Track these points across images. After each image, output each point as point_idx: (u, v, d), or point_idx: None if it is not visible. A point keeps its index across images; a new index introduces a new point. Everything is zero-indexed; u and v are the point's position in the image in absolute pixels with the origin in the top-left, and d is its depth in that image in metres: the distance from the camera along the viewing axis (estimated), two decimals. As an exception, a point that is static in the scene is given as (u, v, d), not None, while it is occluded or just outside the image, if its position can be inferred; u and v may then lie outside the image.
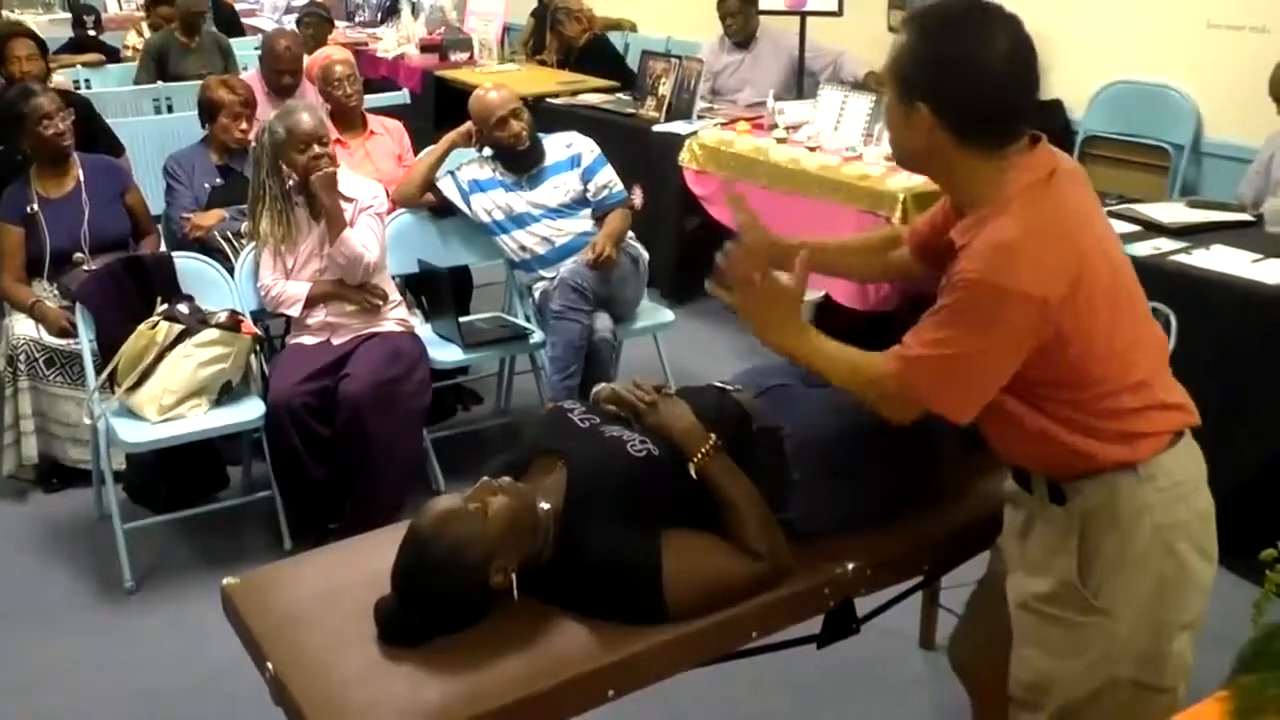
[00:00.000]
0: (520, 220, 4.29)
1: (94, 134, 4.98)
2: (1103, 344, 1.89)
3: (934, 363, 1.89)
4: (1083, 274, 1.85)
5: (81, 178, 4.28)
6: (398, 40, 8.17)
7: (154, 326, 3.62)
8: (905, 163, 2.06)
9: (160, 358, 3.58)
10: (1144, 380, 1.95)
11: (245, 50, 7.36)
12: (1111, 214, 4.01)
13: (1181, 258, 3.70)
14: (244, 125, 4.52)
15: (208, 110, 4.60)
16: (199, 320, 3.66)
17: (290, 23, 7.18)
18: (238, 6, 9.63)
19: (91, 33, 8.10)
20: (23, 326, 4.07)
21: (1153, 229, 3.96)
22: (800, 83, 6.07)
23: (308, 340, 3.88)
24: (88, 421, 3.71)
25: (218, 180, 4.54)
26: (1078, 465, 1.96)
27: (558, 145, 4.40)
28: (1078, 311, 1.84)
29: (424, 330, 4.19)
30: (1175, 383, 2.03)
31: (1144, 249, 3.76)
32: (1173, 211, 4.16)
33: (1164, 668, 1.99)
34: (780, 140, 5.20)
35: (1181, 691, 2.02)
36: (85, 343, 3.79)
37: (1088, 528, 1.97)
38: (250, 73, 5.81)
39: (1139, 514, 1.94)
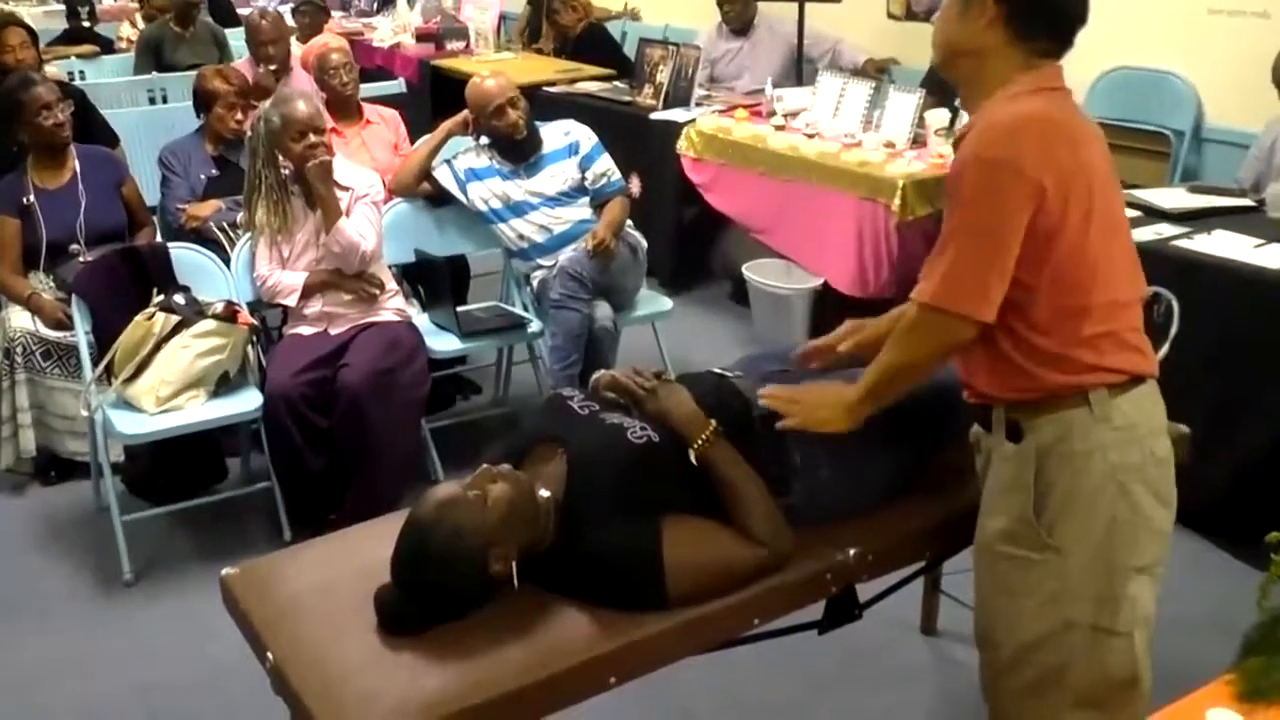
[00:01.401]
0: (518, 209, 4.27)
1: (89, 125, 4.96)
2: (1091, 249, 1.94)
3: (947, 260, 1.93)
4: (1075, 173, 1.91)
5: (78, 169, 4.26)
6: (393, 29, 8.14)
7: (150, 318, 3.60)
8: (943, 54, 2.08)
9: (157, 349, 3.57)
10: (1121, 303, 2.00)
11: (240, 40, 7.32)
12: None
13: (1183, 243, 3.69)
14: (239, 115, 4.50)
15: (203, 100, 4.57)
16: (195, 311, 3.65)
17: (286, 12, 7.15)
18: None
19: (86, 24, 8.08)
20: (19, 319, 4.05)
21: (1154, 214, 3.95)
22: (799, 70, 6.05)
23: (305, 330, 3.87)
24: (85, 414, 3.70)
25: (213, 171, 4.52)
26: (1035, 392, 1.99)
27: (555, 133, 4.38)
28: (1066, 203, 1.89)
29: (421, 320, 4.18)
30: (1142, 333, 2.06)
31: (1146, 234, 3.74)
32: (1174, 197, 4.15)
33: (1118, 610, 2.02)
34: (779, 127, 5.19)
35: (1139, 638, 2.05)
36: (81, 335, 3.77)
37: (1043, 464, 2.01)
38: (242, 60, 5.80)
39: (1092, 453, 1.98)
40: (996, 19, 1.95)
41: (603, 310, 4.17)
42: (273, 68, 5.47)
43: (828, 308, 4.90)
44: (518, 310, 4.37)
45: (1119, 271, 2.01)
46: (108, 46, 7.88)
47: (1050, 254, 1.91)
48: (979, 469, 2.22)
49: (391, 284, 4.04)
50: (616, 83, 6.47)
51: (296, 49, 6.01)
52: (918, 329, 2.02)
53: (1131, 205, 4.03)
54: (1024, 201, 1.87)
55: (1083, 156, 1.95)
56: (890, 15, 6.38)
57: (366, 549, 2.19)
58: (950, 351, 2.04)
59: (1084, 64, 5.46)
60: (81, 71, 7.14)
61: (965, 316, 1.93)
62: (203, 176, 4.50)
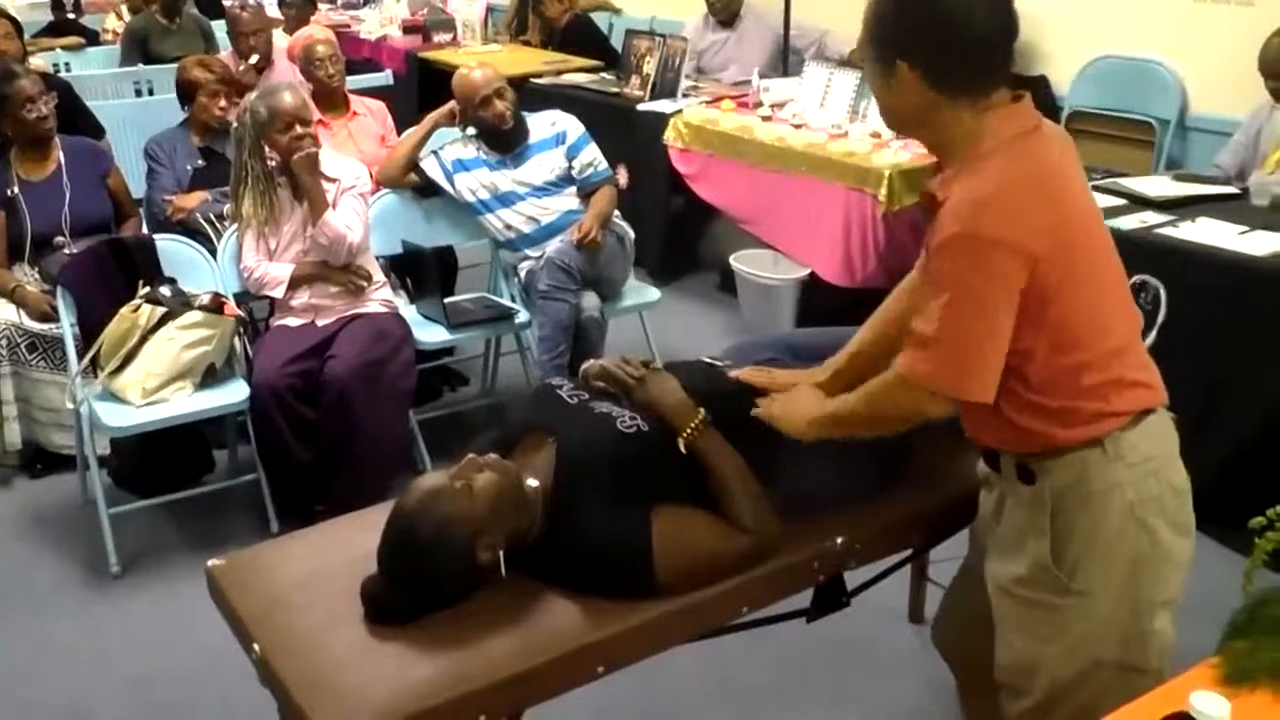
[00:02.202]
0: (505, 199, 4.26)
1: (74, 117, 4.94)
2: (1084, 303, 1.86)
3: (940, 341, 1.83)
4: (1062, 230, 1.83)
5: (62, 161, 4.25)
6: (380, 22, 8.13)
7: (136, 309, 3.59)
8: (893, 125, 2.05)
9: (143, 341, 3.56)
10: (1118, 349, 1.93)
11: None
12: (1097, 188, 4.02)
13: (1168, 231, 3.70)
14: (222, 103, 4.48)
15: (186, 91, 4.56)
16: (182, 303, 3.63)
17: (274, 4, 7.14)
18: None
19: (71, 16, 8.05)
20: (4, 311, 4.03)
21: (1139, 202, 3.96)
22: (785, 60, 6.05)
23: (292, 322, 3.86)
24: (71, 406, 3.69)
25: (199, 162, 4.50)
26: (1043, 447, 1.94)
27: (542, 123, 4.37)
28: (1058, 267, 1.81)
29: (409, 311, 4.17)
30: (1148, 360, 2.00)
31: (1130, 222, 3.75)
32: (1159, 185, 4.16)
33: (1146, 648, 1.98)
34: (765, 118, 5.19)
35: (1165, 672, 2.00)
36: (67, 327, 3.76)
37: (1059, 507, 1.94)
38: (226, 53, 5.78)
39: (1109, 491, 1.91)
40: (919, 83, 1.85)
41: (590, 301, 4.17)
42: (254, 59, 5.46)
43: (815, 297, 4.91)
44: (505, 301, 4.37)
45: (1115, 315, 1.94)
46: (93, 39, 7.84)
47: (1045, 317, 1.83)
48: (986, 506, 2.15)
49: (379, 275, 4.03)
50: (603, 74, 6.47)
51: (282, 41, 5.99)
52: (898, 393, 1.93)
53: (1116, 193, 4.05)
54: (1017, 275, 1.78)
55: (1067, 208, 1.87)
56: (876, 5, 6.36)
57: (353, 540, 2.19)
58: (921, 420, 1.97)
59: (1070, 53, 5.49)
60: (67, 64, 7.12)
61: (954, 398, 1.88)
62: (189, 168, 4.48)
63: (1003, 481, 2.06)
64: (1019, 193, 1.81)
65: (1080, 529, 1.93)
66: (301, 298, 3.87)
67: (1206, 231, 3.66)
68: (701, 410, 2.20)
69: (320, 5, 8.31)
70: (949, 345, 1.83)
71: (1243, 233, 3.62)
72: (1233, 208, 3.90)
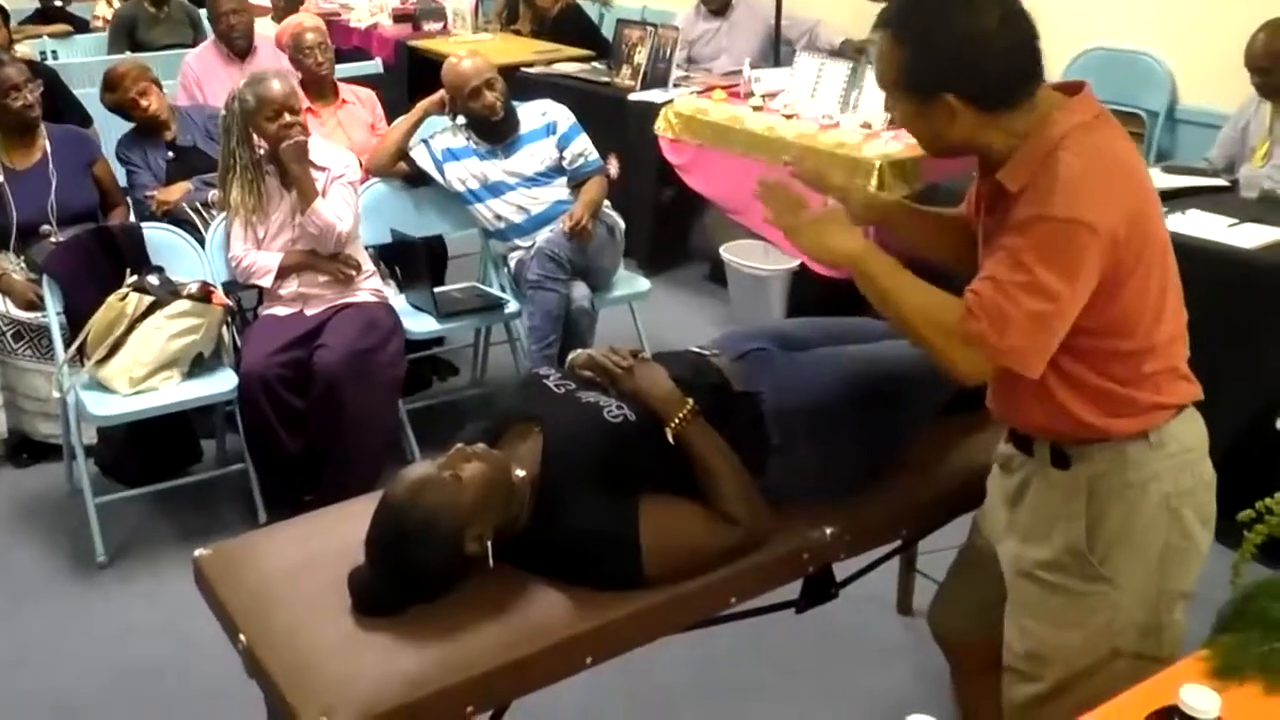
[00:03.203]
0: (496, 189, 4.25)
1: (60, 106, 4.91)
2: (1154, 288, 1.86)
3: (1010, 306, 1.78)
4: (1140, 213, 1.83)
5: (49, 149, 4.21)
6: (370, 10, 8.09)
7: (124, 298, 3.57)
8: (935, 153, 1.97)
9: (130, 330, 3.54)
10: (1175, 337, 1.93)
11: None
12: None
13: (1158, 223, 3.69)
14: (146, 98, 4.44)
15: (118, 109, 4.52)
16: (169, 291, 3.62)
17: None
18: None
19: (58, 3, 7.99)
20: (-10, 300, 4.01)
21: (1129, 195, 3.95)
22: (776, 50, 6.04)
23: (280, 311, 3.84)
24: (57, 395, 3.67)
25: (169, 154, 4.48)
26: (1088, 437, 1.93)
27: (532, 113, 4.36)
28: (1134, 249, 1.80)
29: (398, 301, 4.16)
30: (1187, 354, 1.99)
31: (1121, 214, 3.75)
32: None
33: (1163, 638, 1.98)
34: (756, 108, 5.17)
35: (1177, 660, 2.01)
36: (53, 316, 3.74)
37: (1094, 493, 1.94)
38: (208, 40, 5.75)
39: (1148, 482, 1.92)
40: (968, 108, 1.83)
41: (580, 291, 4.16)
42: (236, 37, 5.44)
43: (805, 288, 4.90)
44: (495, 291, 4.36)
45: (1175, 302, 1.93)
46: (82, 26, 7.80)
47: (1118, 297, 1.83)
48: (1005, 490, 2.12)
49: (368, 265, 4.01)
50: (594, 64, 6.44)
51: (271, 28, 5.96)
52: (952, 340, 1.84)
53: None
54: (1098, 258, 1.77)
55: (1145, 193, 1.87)
56: (867, -4, 6.36)
57: (341, 530, 2.18)
58: (946, 367, 1.90)
59: (1059, 44, 5.46)
60: (54, 51, 7.08)
61: (1009, 367, 1.83)
62: (161, 162, 4.47)
63: (1030, 465, 2.04)
64: (1103, 176, 1.80)
65: (1114, 517, 1.93)
66: (290, 287, 3.85)
67: (1196, 223, 3.65)
68: (690, 400, 2.19)
69: (311, -7, 8.28)
70: (1023, 324, 1.79)
71: (1232, 225, 3.62)
72: (1222, 200, 3.91)
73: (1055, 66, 5.49)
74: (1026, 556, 2.04)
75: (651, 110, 5.55)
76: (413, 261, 4.27)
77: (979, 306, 1.81)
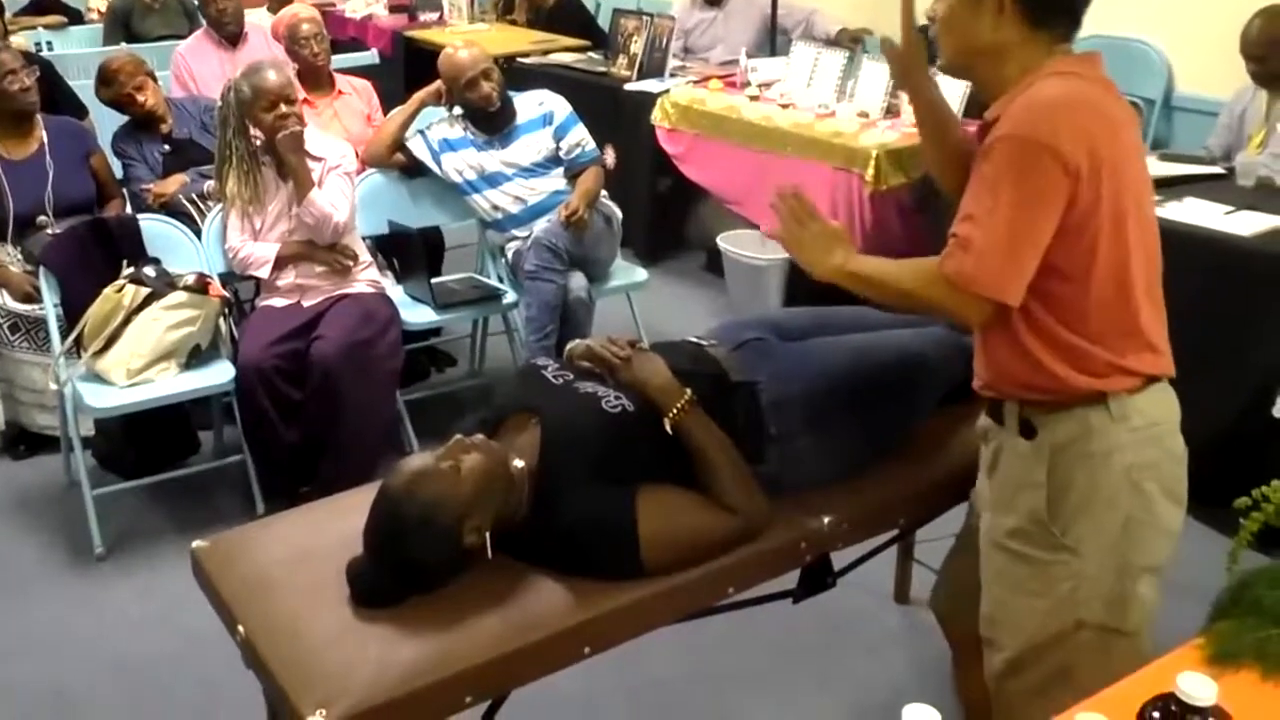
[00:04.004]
0: (492, 179, 4.25)
1: (56, 97, 4.90)
2: (1121, 244, 1.89)
3: (978, 233, 1.84)
4: (1112, 160, 1.85)
5: (45, 140, 4.20)
6: (366, 0, 8.08)
7: (120, 290, 3.57)
8: (958, 60, 2.00)
9: (127, 321, 3.54)
10: (1141, 305, 1.95)
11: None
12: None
13: (1155, 211, 3.69)
14: (143, 93, 4.43)
15: (115, 104, 4.51)
16: (166, 283, 3.62)
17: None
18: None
19: (54, -5, 7.97)
20: (-14, 292, 4.01)
21: (1126, 183, 3.95)
22: (773, 40, 6.03)
23: (277, 302, 3.84)
24: (54, 387, 3.67)
25: (165, 147, 4.47)
26: (1051, 393, 1.95)
27: (529, 103, 4.35)
28: (1097, 187, 1.83)
29: (396, 292, 4.16)
30: (1164, 329, 2.02)
31: (1117, 203, 3.75)
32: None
33: (1128, 611, 2.01)
34: (753, 98, 5.17)
35: (1145, 636, 2.04)
36: (50, 307, 3.73)
37: (1056, 463, 1.97)
38: (200, 31, 5.75)
39: (1110, 453, 1.94)
40: (1017, 16, 1.88)
41: (578, 281, 4.16)
42: (226, 23, 5.43)
43: (802, 278, 4.88)
44: (493, 282, 4.36)
45: (1146, 270, 1.96)
46: (77, 17, 7.79)
47: (1081, 242, 1.86)
48: (985, 461, 2.17)
49: (365, 256, 4.01)
50: (590, 54, 6.44)
51: (266, 19, 5.95)
52: (939, 288, 1.90)
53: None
54: (1060, 181, 1.81)
55: (1124, 139, 1.90)
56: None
57: (339, 521, 2.18)
58: (952, 318, 1.98)
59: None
60: (49, 42, 7.06)
61: (991, 300, 1.87)
62: (157, 154, 4.46)
63: (1002, 434, 2.07)
64: (1072, 108, 1.84)
65: (1076, 487, 1.96)
66: (287, 278, 3.85)
67: (1193, 211, 3.66)
68: (688, 390, 2.19)
69: (306, -16, 8.25)
70: (991, 249, 1.84)
71: (1229, 212, 3.63)
72: (1219, 187, 3.91)
73: (1052, 55, 5.51)
74: (997, 526, 2.08)
75: (648, 100, 5.54)
76: (410, 252, 4.27)
77: (955, 244, 1.87)
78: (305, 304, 3.81)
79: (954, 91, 4.77)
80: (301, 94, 4.12)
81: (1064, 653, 2.02)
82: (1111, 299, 1.91)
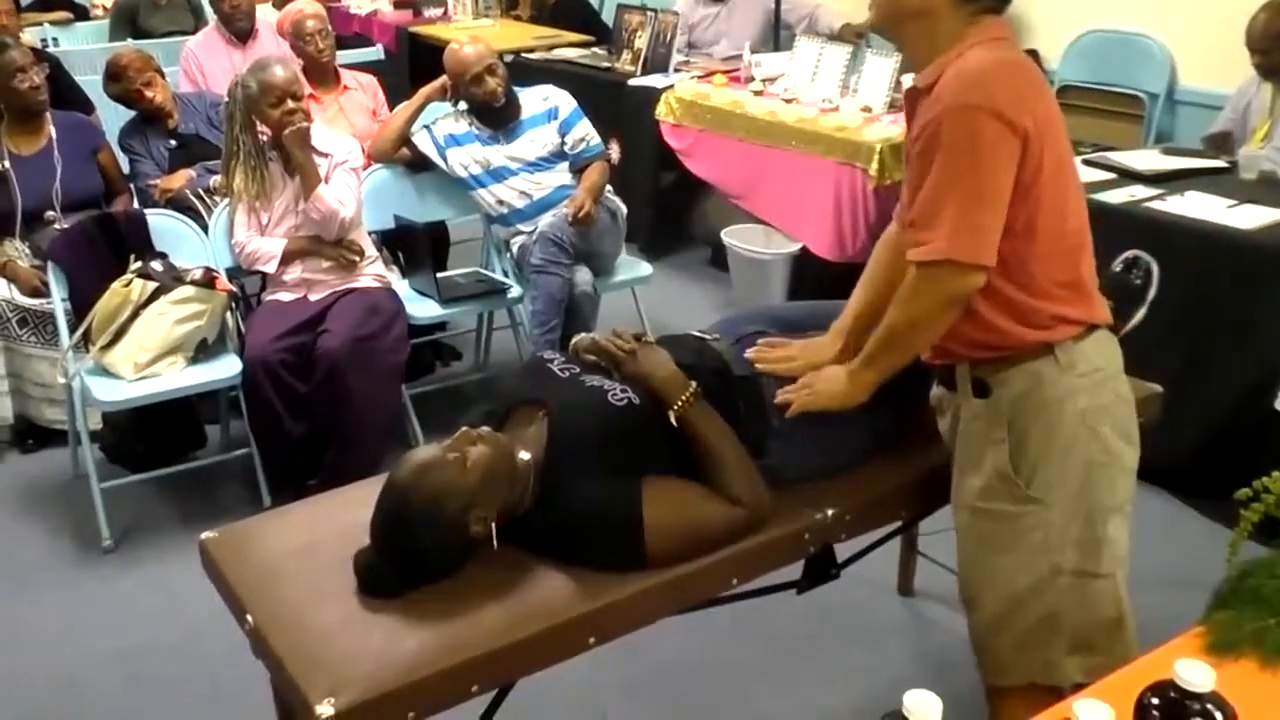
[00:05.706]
0: (498, 174, 4.26)
1: (63, 92, 4.91)
2: (1059, 195, 1.96)
3: (949, 213, 1.90)
4: (1047, 119, 1.92)
5: (54, 135, 4.22)
6: (371, -4, 8.10)
7: (128, 284, 3.58)
8: (888, 22, 2.05)
9: (135, 315, 3.56)
10: (1078, 249, 2.03)
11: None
12: (1087, 162, 4.04)
13: (1157, 204, 3.71)
14: (151, 89, 4.45)
15: (124, 100, 4.53)
16: (173, 277, 3.63)
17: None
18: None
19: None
20: (-6, 286, 4.03)
21: (1128, 176, 3.97)
22: (776, 35, 6.03)
23: (284, 297, 3.86)
24: (62, 381, 3.69)
25: (172, 143, 4.49)
26: (999, 350, 2.02)
27: (534, 98, 4.37)
28: (1040, 149, 1.90)
29: (401, 286, 4.17)
30: (1095, 276, 2.09)
31: (1119, 196, 3.76)
32: (1148, 159, 4.17)
33: (1100, 553, 2.07)
34: (757, 93, 5.18)
35: (1120, 577, 2.10)
36: (58, 302, 3.75)
37: (1014, 417, 2.04)
38: (210, 25, 5.77)
39: (1063, 400, 2.01)
40: None
41: (583, 275, 4.18)
42: (238, 20, 5.45)
43: (806, 272, 4.92)
44: (498, 276, 4.37)
45: (1079, 219, 2.04)
46: (83, 13, 7.80)
47: (1028, 201, 1.93)
48: (943, 431, 2.24)
49: (371, 250, 4.03)
50: (595, 49, 6.45)
51: (271, 15, 5.96)
52: (926, 285, 1.97)
53: (1105, 167, 4.06)
54: (1010, 144, 1.87)
55: (1049, 98, 1.99)
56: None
57: (346, 512, 2.19)
58: (960, 302, 1.99)
59: (1059, 27, 5.48)
60: (55, 38, 7.07)
61: (977, 266, 1.92)
62: (164, 150, 4.47)
63: (956, 399, 2.14)
64: (1011, 73, 1.92)
65: (1035, 437, 2.03)
66: (293, 272, 3.86)
67: (1195, 205, 3.67)
68: (693, 383, 2.20)
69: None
70: (956, 216, 1.90)
71: (1231, 206, 3.63)
72: (1221, 181, 3.92)
73: (1055, 48, 5.56)
74: (965, 488, 2.14)
75: (652, 95, 5.55)
76: (415, 247, 4.28)
77: (915, 230, 1.95)
78: (311, 298, 3.83)
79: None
80: (308, 90, 4.13)
81: (1044, 602, 2.08)
82: (1054, 252, 1.99)
